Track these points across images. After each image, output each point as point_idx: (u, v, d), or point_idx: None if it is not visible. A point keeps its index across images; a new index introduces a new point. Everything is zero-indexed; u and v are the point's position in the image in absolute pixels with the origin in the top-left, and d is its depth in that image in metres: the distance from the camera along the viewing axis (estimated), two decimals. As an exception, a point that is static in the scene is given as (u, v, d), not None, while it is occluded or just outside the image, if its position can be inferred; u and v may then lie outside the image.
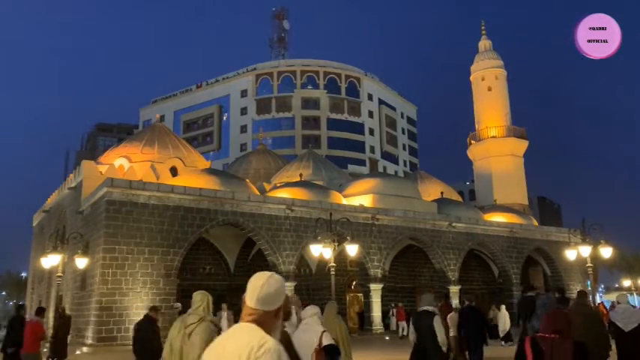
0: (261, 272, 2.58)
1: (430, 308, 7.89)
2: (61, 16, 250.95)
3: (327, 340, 5.25)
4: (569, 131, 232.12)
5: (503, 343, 20.34)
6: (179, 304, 20.23)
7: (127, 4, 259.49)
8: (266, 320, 2.40)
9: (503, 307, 23.13)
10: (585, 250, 21.00)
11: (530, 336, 4.43)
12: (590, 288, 26.91)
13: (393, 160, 75.63)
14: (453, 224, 30.59)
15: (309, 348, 5.03)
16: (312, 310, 5.74)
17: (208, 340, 4.87)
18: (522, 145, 47.64)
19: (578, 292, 9.54)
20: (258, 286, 2.44)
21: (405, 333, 25.95)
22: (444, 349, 7.54)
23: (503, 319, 21.52)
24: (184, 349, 4.96)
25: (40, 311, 11.79)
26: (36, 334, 10.93)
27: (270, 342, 2.29)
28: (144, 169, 29.37)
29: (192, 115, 74.79)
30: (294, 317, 5.91)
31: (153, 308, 9.11)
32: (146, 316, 8.96)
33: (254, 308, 2.42)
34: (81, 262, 20.59)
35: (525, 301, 12.49)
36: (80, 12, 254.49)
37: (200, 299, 5.27)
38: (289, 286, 24.58)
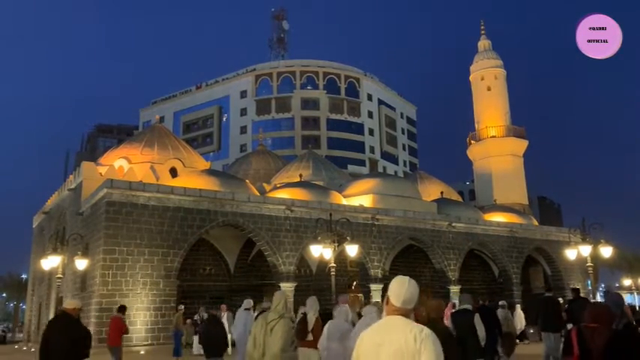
0: (401, 277, 3.27)
1: (470, 307, 8.44)
2: (61, 17, 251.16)
3: None
4: (569, 130, 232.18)
5: (517, 341, 20.72)
6: (182, 306, 20.37)
7: (127, 4, 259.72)
8: (407, 314, 3.16)
9: (518, 306, 23.18)
10: (585, 250, 20.96)
11: (576, 326, 5.08)
12: (590, 287, 26.89)
13: (393, 160, 75.64)
14: (453, 224, 30.57)
15: None
16: (370, 309, 6.90)
17: (288, 334, 5.67)
18: (522, 145, 47.64)
19: (605, 292, 9.80)
20: (403, 291, 3.19)
21: None
22: (482, 344, 8.01)
23: (519, 319, 21.68)
24: (267, 342, 5.57)
25: (122, 309, 13.59)
26: (119, 329, 12.56)
27: (427, 329, 3.04)
28: (144, 170, 29.36)
29: (192, 116, 74.79)
30: (349, 314, 7.47)
31: (215, 309, 10.87)
32: (211, 315, 10.16)
33: (399, 307, 3.16)
34: (81, 264, 20.59)
35: (544, 301, 12.92)
36: (80, 13, 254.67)
37: (278, 299, 5.93)
38: (289, 287, 24.59)
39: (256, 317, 11.80)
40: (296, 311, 13.61)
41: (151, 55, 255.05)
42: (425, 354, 2.91)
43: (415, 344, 2.93)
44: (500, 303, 14.68)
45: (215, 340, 9.64)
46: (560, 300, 21.97)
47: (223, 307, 21.20)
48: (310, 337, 7.77)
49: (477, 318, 7.97)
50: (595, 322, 4.80)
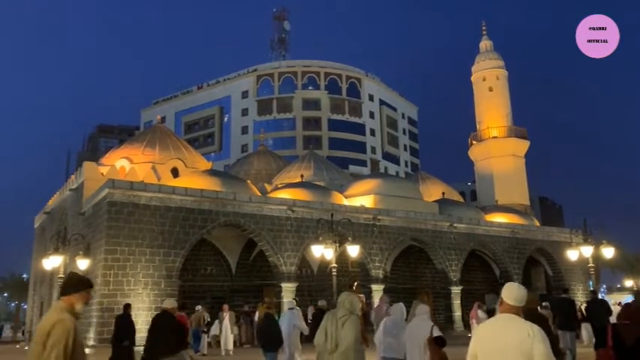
0: (511, 283, 4.06)
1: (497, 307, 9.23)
2: (62, 17, 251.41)
3: (436, 333, 7.12)
4: (570, 131, 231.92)
5: None
6: (200, 307, 21.20)
7: (128, 5, 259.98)
8: (518, 312, 3.84)
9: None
10: (587, 251, 20.92)
11: (612, 323, 6.16)
12: (592, 288, 26.77)
13: (394, 160, 75.57)
14: (455, 225, 30.54)
15: (422, 338, 7.04)
16: (424, 309, 7.57)
17: (357, 329, 6.44)
18: (523, 146, 47.61)
19: (634, 291, 10.41)
20: (515, 293, 3.90)
21: None
22: None
23: None
24: (340, 335, 6.28)
25: (184, 307, 16.19)
26: (184, 324, 14.52)
27: (536, 325, 3.74)
28: (145, 170, 29.39)
29: (194, 117, 74.79)
30: (404, 312, 8.36)
31: (268, 307, 11.82)
32: (268, 314, 11.19)
33: (513, 305, 3.86)
34: (82, 264, 20.61)
35: (560, 301, 13.40)
36: (81, 14, 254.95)
37: (344, 298, 6.67)
38: (291, 287, 24.58)
39: (316, 315, 12.87)
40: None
41: (152, 55, 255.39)
42: (537, 345, 3.63)
43: (529, 338, 3.64)
44: (544, 304, 15.01)
45: (273, 336, 10.76)
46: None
47: (225, 307, 21.28)
48: None
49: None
50: (628, 319, 5.66)
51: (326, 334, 6.36)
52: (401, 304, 8.74)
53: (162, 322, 8.54)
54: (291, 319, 12.75)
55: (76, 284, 4.12)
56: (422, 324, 7.30)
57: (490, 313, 16.02)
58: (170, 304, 8.94)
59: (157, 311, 21.43)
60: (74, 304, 4.05)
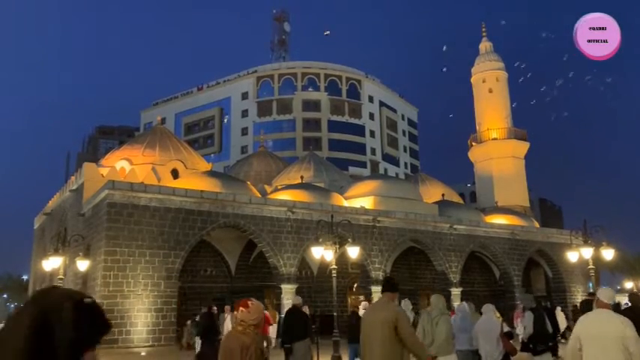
0: (606, 287, 5.07)
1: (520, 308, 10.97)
2: (62, 18, 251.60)
3: (505, 328, 8.84)
4: (570, 132, 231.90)
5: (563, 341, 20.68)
6: (215, 308, 20.89)
7: (128, 5, 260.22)
8: (609, 307, 5.05)
9: (559, 308, 23.01)
10: (587, 252, 20.85)
11: None
12: (592, 290, 26.75)
13: (394, 162, 75.54)
14: (454, 226, 30.53)
15: (495, 333, 8.60)
16: (491, 307, 9.09)
17: (450, 327, 7.67)
18: (523, 147, 47.62)
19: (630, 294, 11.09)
20: (608, 294, 5.18)
21: None
22: (525, 338, 10.57)
23: (562, 321, 21.58)
24: (435, 332, 7.42)
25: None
26: (267, 321, 16.31)
27: (625, 317, 5.00)
28: (145, 171, 29.39)
29: (193, 118, 74.76)
30: (467, 309, 9.80)
31: (356, 307, 13.54)
32: (353, 312, 13.06)
33: (607, 303, 5.08)
34: (82, 265, 20.58)
35: (585, 303, 13.98)
36: (81, 14, 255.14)
37: (436, 300, 7.89)
38: (290, 289, 24.56)
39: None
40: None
41: (152, 56, 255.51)
42: (628, 330, 4.81)
43: (622, 325, 4.83)
44: (578, 305, 15.52)
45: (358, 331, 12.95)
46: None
47: (227, 308, 21.39)
48: None
49: (528, 314, 10.03)
50: None
51: (424, 331, 7.53)
52: (464, 304, 10.14)
53: (293, 314, 10.79)
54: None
55: (396, 286, 5.94)
56: (492, 321, 8.87)
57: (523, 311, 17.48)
58: (297, 300, 11.16)
59: (158, 312, 21.60)
60: (394, 300, 5.78)
